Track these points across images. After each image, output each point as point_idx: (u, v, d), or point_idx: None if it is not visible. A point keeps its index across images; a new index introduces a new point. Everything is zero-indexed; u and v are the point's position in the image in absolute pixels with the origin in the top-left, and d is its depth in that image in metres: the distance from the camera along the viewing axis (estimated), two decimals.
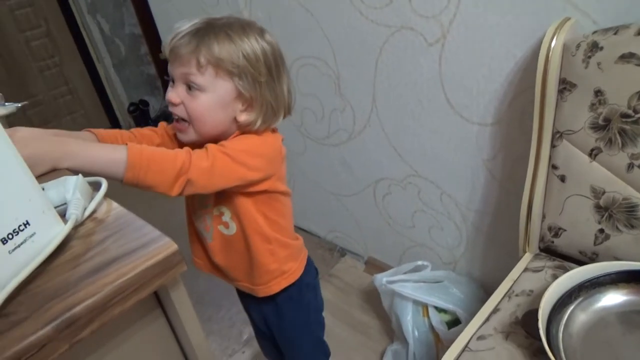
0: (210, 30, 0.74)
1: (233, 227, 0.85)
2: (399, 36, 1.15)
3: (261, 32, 0.78)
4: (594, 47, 0.79)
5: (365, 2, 1.16)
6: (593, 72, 0.80)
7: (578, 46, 0.81)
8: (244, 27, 0.76)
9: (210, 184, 0.73)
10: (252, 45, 0.75)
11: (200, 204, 0.87)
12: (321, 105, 1.46)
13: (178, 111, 0.77)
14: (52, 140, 0.65)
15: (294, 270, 0.92)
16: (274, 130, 0.85)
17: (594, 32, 0.81)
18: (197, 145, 0.77)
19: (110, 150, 0.67)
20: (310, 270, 0.98)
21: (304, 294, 0.96)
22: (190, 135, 0.79)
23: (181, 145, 0.83)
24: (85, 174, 0.62)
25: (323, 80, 1.39)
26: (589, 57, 0.80)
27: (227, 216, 0.85)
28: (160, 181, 0.67)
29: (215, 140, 0.78)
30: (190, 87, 0.75)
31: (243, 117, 0.78)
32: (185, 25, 0.75)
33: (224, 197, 0.82)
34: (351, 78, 1.32)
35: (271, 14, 1.40)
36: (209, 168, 0.71)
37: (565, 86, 0.84)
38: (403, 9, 1.10)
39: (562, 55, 0.83)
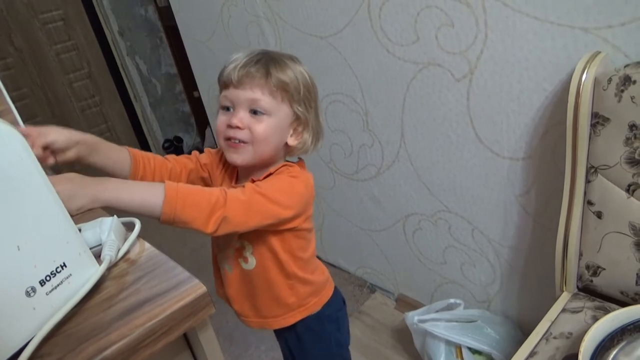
0: (272, 58, 0.80)
1: (252, 262, 0.86)
2: (427, 72, 1.16)
3: (301, 63, 0.85)
4: (627, 80, 0.78)
5: (392, 39, 1.18)
6: (627, 106, 0.78)
7: (610, 80, 0.80)
8: (292, 58, 0.84)
9: (246, 220, 0.73)
10: (303, 73, 0.82)
11: (225, 237, 0.87)
12: (349, 141, 1.47)
13: (241, 135, 0.79)
14: (94, 178, 0.68)
15: (312, 304, 0.92)
16: (302, 166, 0.87)
17: (626, 66, 0.80)
18: (245, 167, 0.83)
19: (148, 186, 0.69)
20: (334, 302, 0.97)
21: (324, 325, 0.95)
22: (245, 155, 0.80)
23: (226, 168, 0.88)
24: (123, 210, 0.64)
25: (351, 116, 1.41)
26: (622, 90, 0.79)
27: (248, 251, 0.86)
28: (196, 216, 0.67)
29: (265, 163, 0.83)
30: (255, 111, 0.78)
31: (293, 142, 0.84)
32: (246, 55, 0.80)
33: (248, 232, 0.83)
34: (379, 114, 1.34)
35: (300, 52, 1.43)
36: (246, 202, 0.72)
37: (598, 120, 0.83)
38: (430, 46, 1.12)
39: (594, 89, 0.82)
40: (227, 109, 0.80)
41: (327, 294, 0.96)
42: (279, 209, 0.77)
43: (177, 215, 0.66)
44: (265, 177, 0.82)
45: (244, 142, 0.79)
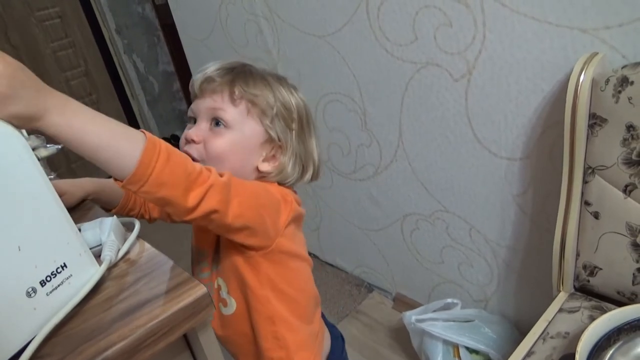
0: (246, 69, 0.71)
1: (232, 305, 0.72)
2: (425, 72, 1.16)
3: (294, 88, 0.75)
4: (624, 81, 0.78)
5: (390, 39, 1.18)
6: (624, 107, 0.79)
7: (607, 81, 0.80)
8: (279, 78, 0.74)
9: (227, 198, 0.57)
10: (286, 94, 0.72)
11: (198, 258, 0.75)
12: (347, 141, 1.47)
13: (194, 151, 0.67)
14: (48, 87, 0.50)
15: None
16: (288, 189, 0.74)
17: (624, 67, 0.80)
18: None
19: (122, 127, 0.51)
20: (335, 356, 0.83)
21: None
22: None
23: None
24: (74, 148, 0.47)
25: (349, 115, 1.41)
26: (619, 91, 0.79)
27: (224, 291, 0.72)
28: (178, 180, 0.50)
29: None
30: (217, 123, 0.68)
31: (265, 167, 0.71)
32: (217, 64, 0.71)
33: (221, 261, 0.71)
34: (377, 114, 1.34)
35: (298, 51, 1.43)
36: (226, 179, 0.58)
37: (596, 121, 0.83)
38: (428, 46, 1.12)
39: (591, 90, 0.83)
40: (194, 122, 0.70)
41: (320, 349, 0.79)
42: (255, 196, 0.64)
43: (154, 172, 0.48)
44: None
45: (196, 160, 0.66)
